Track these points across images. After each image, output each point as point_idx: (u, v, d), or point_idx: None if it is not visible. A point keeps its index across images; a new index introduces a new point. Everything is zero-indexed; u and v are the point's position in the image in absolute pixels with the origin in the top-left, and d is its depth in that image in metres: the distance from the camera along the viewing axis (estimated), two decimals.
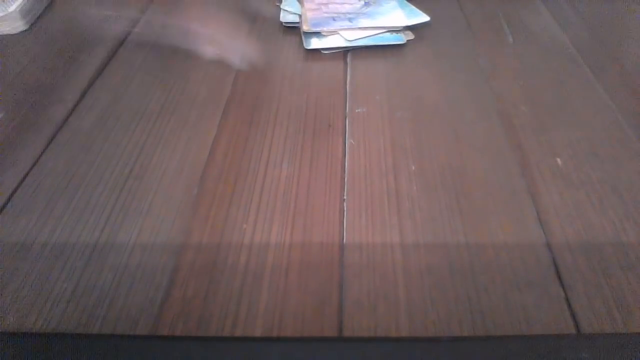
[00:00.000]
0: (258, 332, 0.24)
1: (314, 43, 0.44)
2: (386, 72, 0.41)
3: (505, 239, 0.28)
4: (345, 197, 0.31)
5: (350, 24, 0.44)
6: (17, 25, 0.47)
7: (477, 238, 0.28)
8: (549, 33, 0.46)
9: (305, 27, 0.44)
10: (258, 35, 0.46)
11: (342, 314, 0.25)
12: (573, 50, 0.44)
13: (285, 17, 0.47)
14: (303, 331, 0.24)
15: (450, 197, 0.31)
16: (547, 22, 0.48)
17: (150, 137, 0.35)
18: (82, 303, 0.25)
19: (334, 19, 0.45)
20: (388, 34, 0.45)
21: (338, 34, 0.44)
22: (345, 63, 0.43)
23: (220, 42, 0.44)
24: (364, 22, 0.45)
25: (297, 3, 0.49)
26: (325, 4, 0.48)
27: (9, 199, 0.31)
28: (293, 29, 0.47)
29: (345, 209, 0.30)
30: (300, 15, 0.47)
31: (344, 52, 0.44)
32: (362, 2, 0.48)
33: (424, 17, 0.46)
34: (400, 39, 0.44)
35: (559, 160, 0.33)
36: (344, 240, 0.28)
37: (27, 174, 0.33)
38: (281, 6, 0.49)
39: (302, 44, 0.44)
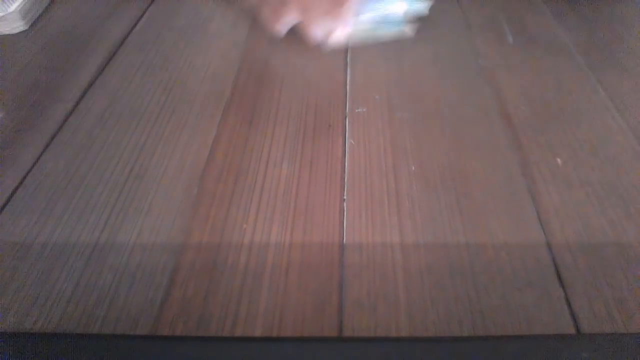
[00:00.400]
0: (258, 332, 0.24)
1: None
2: (386, 72, 0.41)
3: (505, 239, 0.28)
4: (345, 197, 0.31)
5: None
6: (17, 25, 0.47)
7: (477, 238, 0.28)
8: (549, 33, 0.46)
9: None
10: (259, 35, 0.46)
11: (342, 314, 0.25)
12: (573, 50, 0.44)
13: None
14: (303, 331, 0.24)
15: (450, 197, 0.31)
16: (547, 22, 0.48)
17: (150, 137, 0.35)
18: (82, 303, 0.25)
19: None
20: (391, 25, 0.45)
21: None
22: (345, 63, 0.43)
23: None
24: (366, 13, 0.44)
25: None
26: None
27: (9, 199, 0.31)
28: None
29: (345, 209, 0.30)
30: None
31: (344, 52, 0.44)
32: None
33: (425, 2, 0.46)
34: (403, 24, 0.44)
35: (559, 160, 0.33)
36: (344, 240, 0.28)
37: (27, 174, 0.33)
38: None
39: (302, 41, 0.44)
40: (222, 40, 0.46)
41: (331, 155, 0.34)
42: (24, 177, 0.32)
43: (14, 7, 0.46)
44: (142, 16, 0.49)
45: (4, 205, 0.31)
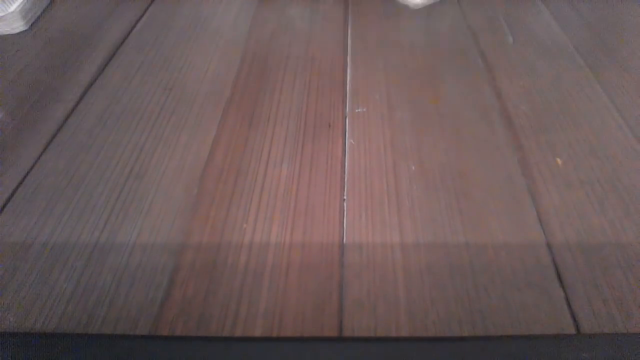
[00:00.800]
0: (258, 332, 0.24)
1: None
2: (386, 72, 0.41)
3: (505, 239, 0.28)
4: (345, 197, 0.31)
5: None
6: (17, 25, 0.47)
7: (477, 238, 0.28)
8: (549, 33, 0.46)
9: None
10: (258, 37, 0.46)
11: (342, 313, 0.25)
12: (573, 50, 0.44)
13: None
14: (303, 331, 0.24)
15: (450, 197, 0.31)
16: (547, 22, 0.48)
17: (150, 137, 0.35)
18: (82, 303, 0.25)
19: None
20: None
21: None
22: (345, 63, 0.43)
23: None
24: None
25: None
26: None
27: (9, 199, 0.31)
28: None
29: (345, 209, 0.30)
30: None
31: (344, 51, 0.44)
32: None
33: None
34: None
35: (559, 160, 0.33)
36: (344, 240, 0.28)
37: (27, 174, 0.33)
38: None
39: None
40: (222, 40, 0.46)
41: (331, 155, 0.34)
42: (24, 177, 0.32)
43: (14, 7, 0.46)
44: (142, 16, 0.49)
45: (4, 205, 0.31)
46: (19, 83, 0.41)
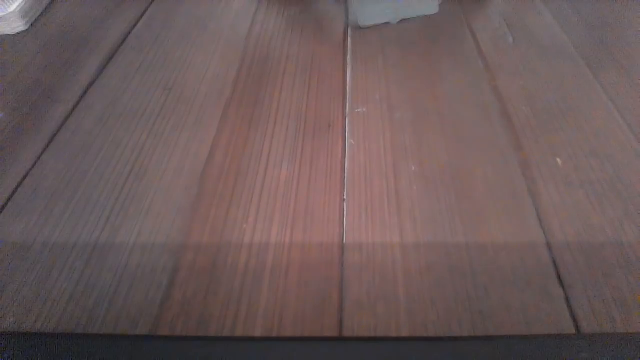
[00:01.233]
0: (258, 332, 0.24)
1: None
2: (386, 72, 0.41)
3: (505, 239, 0.28)
4: (345, 197, 0.31)
5: None
6: (17, 25, 0.47)
7: (477, 238, 0.28)
8: (549, 33, 0.46)
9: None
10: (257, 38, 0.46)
11: (342, 314, 0.25)
12: (573, 50, 0.44)
13: None
14: (303, 331, 0.24)
15: (450, 197, 0.31)
16: (547, 22, 0.48)
17: (150, 137, 0.35)
18: (82, 303, 0.25)
19: None
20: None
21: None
22: (345, 63, 0.43)
23: None
24: None
25: None
26: None
27: (9, 199, 0.31)
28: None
29: (345, 209, 0.30)
30: None
31: (344, 51, 0.44)
32: None
33: None
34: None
35: (559, 160, 0.33)
36: (344, 240, 0.28)
37: (27, 174, 0.33)
38: None
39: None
40: (222, 40, 0.46)
41: (331, 155, 0.34)
42: (24, 177, 0.32)
43: (14, 7, 0.46)
44: (142, 16, 0.49)
45: (4, 205, 0.31)
46: (19, 83, 0.41)
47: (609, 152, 0.33)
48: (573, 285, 0.26)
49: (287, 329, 0.24)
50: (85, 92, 0.40)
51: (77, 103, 0.39)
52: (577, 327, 0.24)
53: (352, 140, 0.35)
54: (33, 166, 0.33)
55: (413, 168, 0.33)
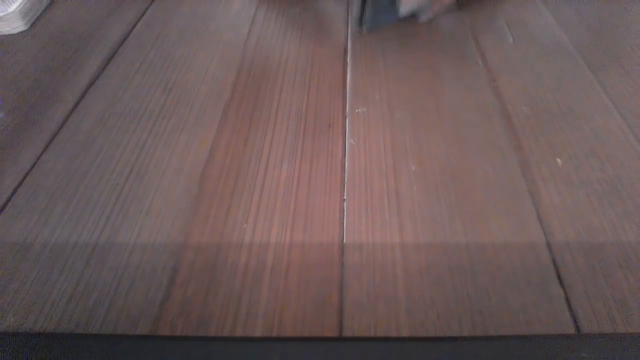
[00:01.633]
0: (258, 332, 0.24)
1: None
2: (386, 72, 0.41)
3: (505, 239, 0.28)
4: (345, 197, 0.31)
5: None
6: (17, 25, 0.47)
7: (477, 238, 0.28)
8: (549, 33, 0.46)
9: None
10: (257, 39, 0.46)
11: (342, 314, 0.25)
12: (573, 50, 0.44)
13: None
14: (303, 331, 0.24)
15: (450, 197, 0.31)
16: (547, 22, 0.48)
17: (150, 137, 0.35)
18: (82, 303, 0.25)
19: None
20: None
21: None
22: (345, 63, 0.43)
23: None
24: None
25: None
26: None
27: (9, 199, 0.31)
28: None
29: (345, 209, 0.30)
30: None
31: (344, 51, 0.44)
32: None
33: None
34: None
35: (559, 160, 0.33)
36: (344, 240, 0.28)
37: (27, 174, 0.33)
38: None
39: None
40: (222, 40, 0.46)
41: (331, 155, 0.34)
42: (24, 177, 0.32)
43: (14, 7, 0.46)
44: (142, 16, 0.49)
45: (4, 205, 0.31)
46: (19, 83, 0.41)
47: (609, 152, 0.33)
48: (573, 285, 0.26)
49: (287, 329, 0.24)
50: (85, 92, 0.40)
51: (77, 103, 0.39)
52: (577, 327, 0.24)
53: (352, 140, 0.35)
54: (33, 166, 0.33)
55: (413, 168, 0.33)
